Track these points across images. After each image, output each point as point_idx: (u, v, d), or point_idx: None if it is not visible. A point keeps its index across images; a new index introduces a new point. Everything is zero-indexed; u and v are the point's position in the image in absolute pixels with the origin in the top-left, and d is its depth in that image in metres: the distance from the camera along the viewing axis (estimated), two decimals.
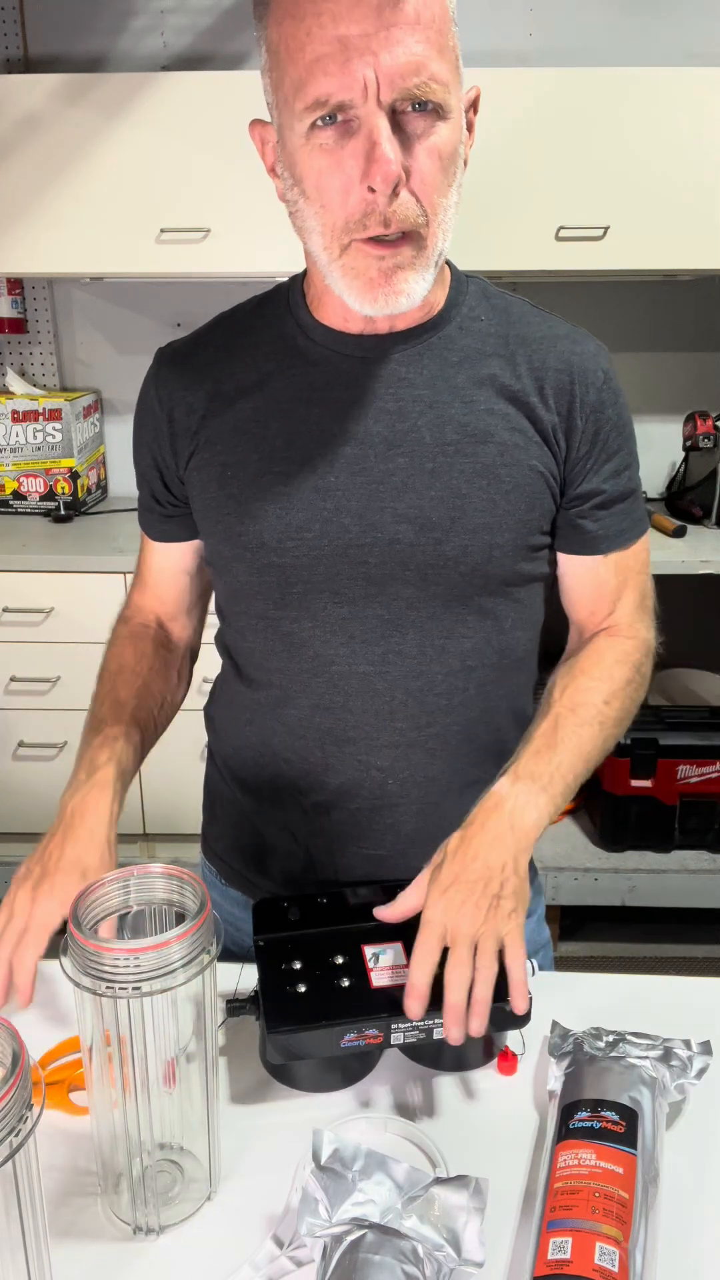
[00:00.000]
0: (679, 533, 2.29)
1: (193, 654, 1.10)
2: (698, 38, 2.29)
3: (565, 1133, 0.70)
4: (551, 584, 0.98)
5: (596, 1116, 0.70)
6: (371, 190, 0.73)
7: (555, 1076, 0.77)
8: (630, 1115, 0.70)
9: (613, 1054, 0.77)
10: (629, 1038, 0.79)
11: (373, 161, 0.72)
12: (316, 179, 0.76)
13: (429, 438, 0.87)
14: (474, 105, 0.82)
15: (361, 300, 0.80)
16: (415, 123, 0.74)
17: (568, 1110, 0.72)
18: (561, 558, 0.96)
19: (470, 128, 0.82)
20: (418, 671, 0.91)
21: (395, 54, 0.70)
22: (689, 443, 2.37)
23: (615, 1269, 0.60)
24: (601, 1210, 0.63)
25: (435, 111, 0.74)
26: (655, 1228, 0.65)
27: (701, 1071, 0.77)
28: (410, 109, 0.73)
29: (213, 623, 1.03)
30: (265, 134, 0.82)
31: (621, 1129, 0.69)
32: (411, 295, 0.79)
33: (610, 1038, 0.79)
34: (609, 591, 0.96)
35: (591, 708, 0.91)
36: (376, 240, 0.76)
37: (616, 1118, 0.70)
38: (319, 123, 0.74)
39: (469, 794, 0.95)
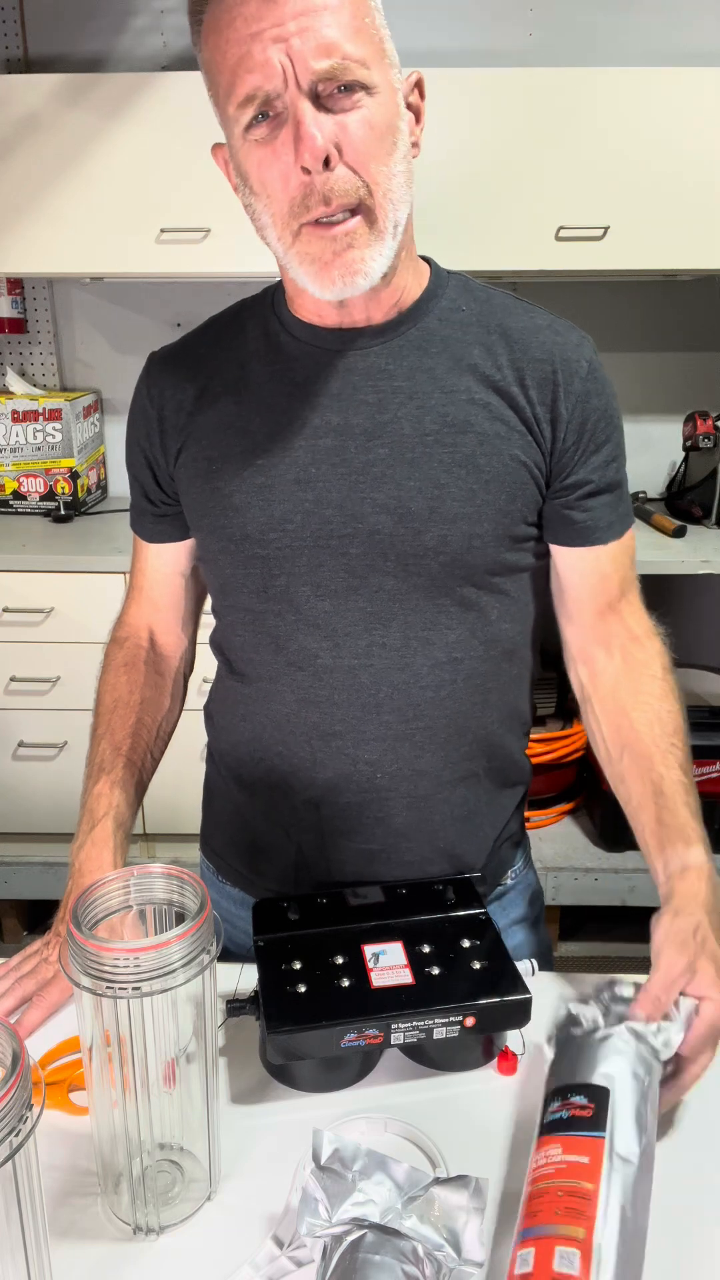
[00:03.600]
0: (679, 533, 2.28)
1: (187, 670, 1.10)
2: (698, 37, 2.29)
3: (542, 1129, 0.69)
4: (545, 580, 0.98)
5: (566, 1105, 0.69)
6: (307, 172, 0.76)
7: (546, 1060, 0.76)
8: (600, 1095, 0.68)
9: (601, 1014, 0.75)
10: (619, 991, 0.78)
11: (299, 140, 0.75)
12: (258, 172, 0.79)
13: (409, 429, 0.87)
14: (419, 90, 0.84)
15: (320, 284, 0.81)
16: (341, 101, 0.76)
17: (546, 1102, 0.71)
18: (557, 551, 0.95)
19: (419, 114, 0.84)
20: (402, 664, 0.91)
21: (305, 39, 0.74)
22: (689, 443, 2.37)
23: (575, 1271, 0.58)
24: (564, 1210, 0.62)
25: (361, 89, 0.76)
26: (625, 1189, 0.63)
27: (689, 1017, 0.75)
28: (335, 91, 0.76)
29: (209, 622, 1.03)
30: (226, 155, 0.85)
31: (589, 1113, 0.67)
32: (369, 272, 0.81)
33: (606, 998, 0.77)
34: (611, 586, 0.96)
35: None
36: (326, 223, 0.78)
37: (585, 1101, 0.68)
38: (253, 122, 0.77)
39: (460, 787, 0.96)
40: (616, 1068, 0.70)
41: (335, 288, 0.81)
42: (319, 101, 0.76)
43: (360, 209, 0.78)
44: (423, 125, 0.84)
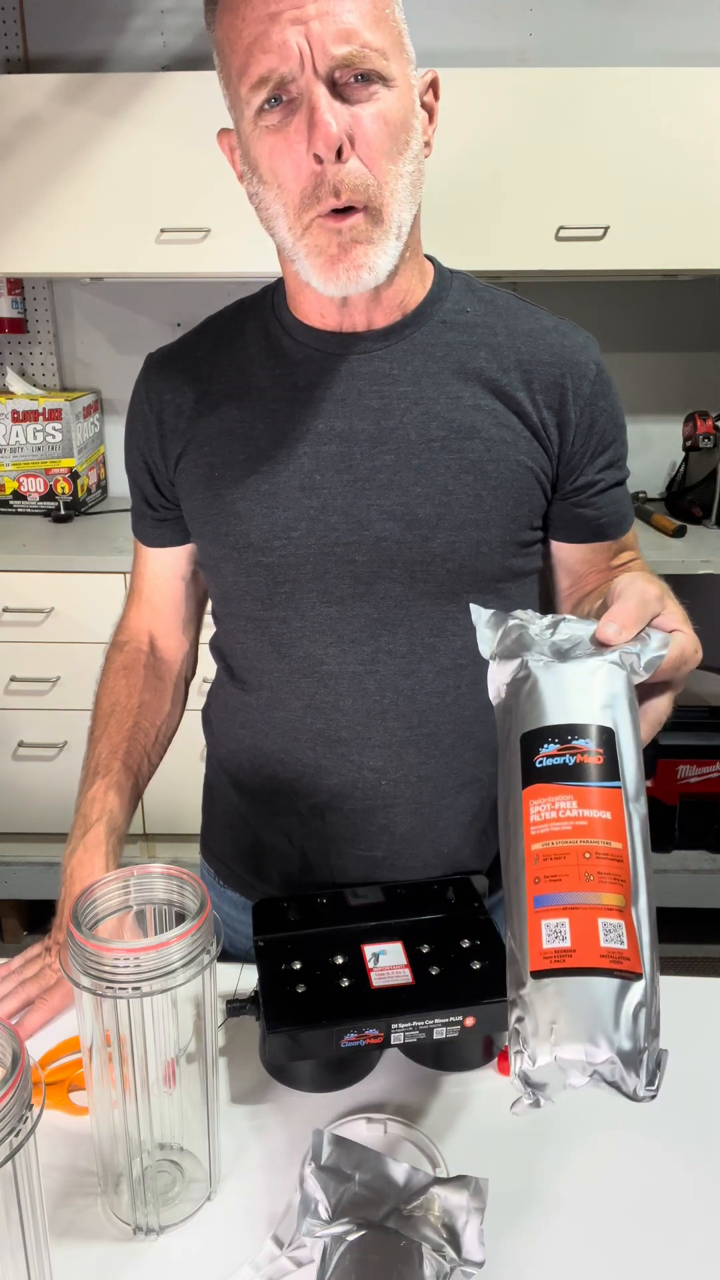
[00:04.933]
0: (679, 533, 2.29)
1: (188, 674, 1.09)
2: (698, 38, 2.29)
3: (532, 774, 0.58)
4: (547, 582, 0.98)
5: (569, 749, 0.57)
6: (319, 160, 0.74)
7: (500, 685, 0.64)
8: (608, 737, 0.58)
9: (562, 642, 0.64)
10: (570, 619, 0.66)
11: (313, 127, 0.74)
12: (269, 160, 0.77)
13: (414, 434, 0.86)
14: (433, 90, 0.83)
15: (325, 279, 0.79)
16: (358, 91, 0.75)
17: (530, 742, 0.59)
18: (565, 549, 0.95)
19: (432, 114, 0.83)
20: (408, 670, 0.90)
21: (325, 23, 0.72)
22: (689, 443, 2.37)
23: (624, 945, 0.51)
24: (597, 874, 0.53)
25: (378, 80, 0.75)
26: (645, 846, 0.55)
27: (664, 643, 0.65)
28: (352, 80, 0.74)
29: (209, 624, 1.03)
30: (231, 140, 0.83)
31: (601, 759, 0.57)
32: (375, 269, 0.79)
33: (546, 623, 0.66)
34: (615, 560, 0.97)
35: None
36: (333, 214, 0.77)
37: (594, 746, 0.57)
38: (265, 106, 0.75)
39: (464, 794, 0.95)
40: (613, 699, 0.59)
41: (340, 283, 0.79)
42: (335, 89, 0.74)
43: (368, 207, 0.77)
44: (435, 125, 0.83)
